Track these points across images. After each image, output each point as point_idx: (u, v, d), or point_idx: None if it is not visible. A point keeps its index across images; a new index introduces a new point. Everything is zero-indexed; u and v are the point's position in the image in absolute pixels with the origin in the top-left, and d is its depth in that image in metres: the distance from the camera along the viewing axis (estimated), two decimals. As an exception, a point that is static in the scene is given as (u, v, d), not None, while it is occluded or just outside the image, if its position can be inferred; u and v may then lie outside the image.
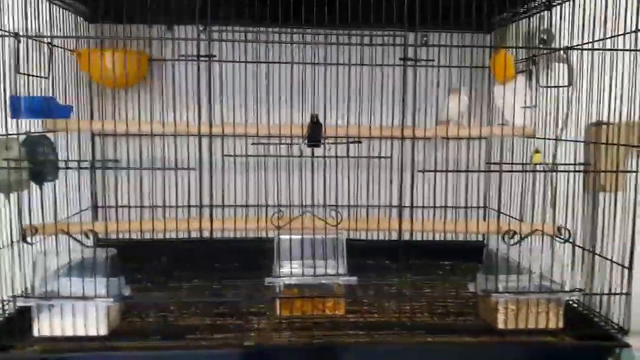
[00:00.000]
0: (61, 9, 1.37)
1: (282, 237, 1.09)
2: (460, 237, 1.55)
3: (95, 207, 1.56)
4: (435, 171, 1.07)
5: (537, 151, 1.18)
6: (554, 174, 1.22)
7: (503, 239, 1.10)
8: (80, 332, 1.04)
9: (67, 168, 1.10)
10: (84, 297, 1.03)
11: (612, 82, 1.13)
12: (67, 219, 1.15)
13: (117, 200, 1.39)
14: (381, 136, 1.09)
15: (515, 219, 1.30)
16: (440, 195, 1.17)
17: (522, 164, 1.14)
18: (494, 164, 1.06)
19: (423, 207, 1.48)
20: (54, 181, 1.20)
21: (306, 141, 1.04)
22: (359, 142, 1.07)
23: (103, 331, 1.05)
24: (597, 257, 1.17)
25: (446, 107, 1.33)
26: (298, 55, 1.04)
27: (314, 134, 1.02)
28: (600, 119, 1.37)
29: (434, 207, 1.32)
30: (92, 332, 1.05)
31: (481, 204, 1.68)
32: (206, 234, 1.06)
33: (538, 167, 1.12)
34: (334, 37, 1.13)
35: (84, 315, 1.04)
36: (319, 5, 1.02)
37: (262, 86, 1.14)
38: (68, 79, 1.43)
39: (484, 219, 1.68)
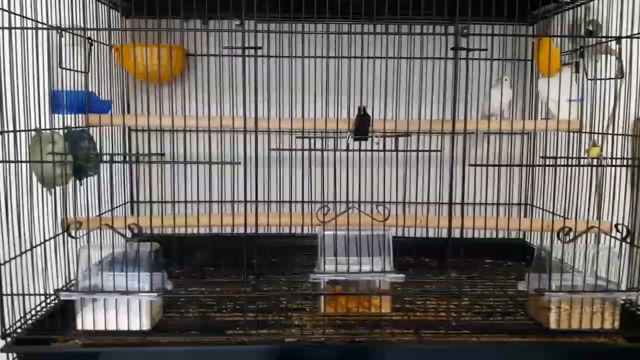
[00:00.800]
0: (97, 3, 1.36)
1: (327, 232, 1.07)
2: (500, 235, 1.51)
3: (134, 202, 1.56)
4: (486, 165, 1.03)
5: (594, 144, 1.13)
6: (606, 168, 1.18)
7: (558, 236, 1.05)
8: (123, 327, 1.04)
9: (113, 162, 1.09)
10: (127, 292, 1.02)
11: None
12: (108, 212, 1.14)
13: (158, 195, 1.38)
14: (431, 130, 1.05)
15: (560, 216, 1.26)
16: (482, 191, 1.14)
17: (578, 157, 1.09)
18: (549, 157, 1.02)
19: (466, 203, 1.44)
20: (95, 175, 1.20)
21: (353, 134, 1.01)
22: (408, 135, 1.04)
23: (145, 326, 1.04)
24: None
25: (489, 99, 1.30)
26: (345, 49, 1.01)
27: (362, 126, 0.99)
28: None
29: (479, 203, 1.28)
30: (135, 327, 1.04)
31: (522, 201, 1.64)
32: (250, 230, 1.04)
33: (595, 162, 1.07)
34: (380, 28, 1.10)
35: (127, 309, 1.03)
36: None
37: (308, 80, 1.12)
38: (105, 74, 1.42)
39: (525, 216, 1.64)
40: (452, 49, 1.00)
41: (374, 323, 1.09)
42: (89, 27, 1.27)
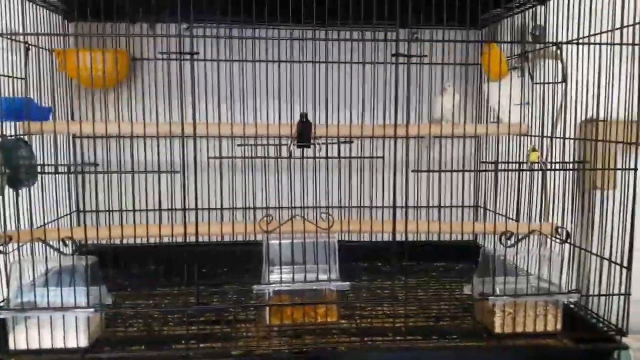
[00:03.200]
0: (35, 6, 1.31)
1: (271, 241, 1.05)
2: (450, 237, 1.52)
3: (75, 213, 1.51)
4: (429, 171, 1.03)
5: (533, 149, 1.15)
6: (549, 172, 1.19)
7: (500, 240, 1.06)
8: (59, 345, 0.99)
9: (45, 173, 1.04)
10: (62, 308, 0.98)
11: (607, 78, 1.11)
12: (44, 225, 1.10)
13: (97, 205, 1.33)
14: (373, 135, 1.05)
15: (510, 218, 1.28)
16: (429, 195, 1.14)
17: (518, 162, 1.10)
18: (489, 162, 1.02)
19: (414, 207, 1.45)
20: (32, 186, 1.16)
21: (295, 141, 0.99)
22: (351, 142, 1.03)
23: (83, 343, 1.00)
24: (593, 257, 1.14)
25: (439, 104, 1.30)
26: (285, 53, 0.99)
27: (304, 133, 0.98)
28: (593, 116, 1.35)
29: (428, 207, 1.28)
30: (72, 344, 1.00)
31: (472, 203, 1.66)
32: (191, 239, 1.01)
33: (534, 166, 1.09)
34: (322, 34, 1.09)
35: (63, 326, 0.99)
36: (307, 2, 0.98)
37: (249, 85, 1.09)
38: (45, 80, 1.37)
39: (475, 219, 1.66)
40: (392, 55, 0.99)
41: (320, 332, 1.08)
42: (29, 31, 1.22)
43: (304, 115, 0.98)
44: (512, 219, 1.25)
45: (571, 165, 1.13)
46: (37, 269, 1.02)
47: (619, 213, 1.11)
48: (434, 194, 1.07)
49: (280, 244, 1.04)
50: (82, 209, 1.49)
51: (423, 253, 1.51)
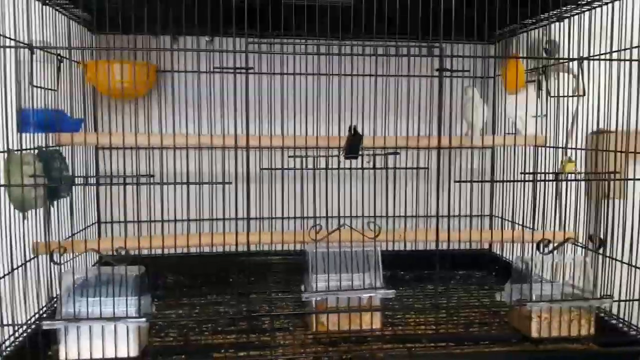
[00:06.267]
0: (64, 18, 1.32)
1: (318, 250, 1.07)
2: (468, 245, 1.56)
3: (102, 223, 1.51)
4: (472, 181, 1.07)
5: (570, 160, 1.20)
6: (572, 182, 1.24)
7: (537, 247, 1.10)
8: (110, 354, 1.00)
9: (88, 184, 1.05)
10: (114, 318, 0.98)
11: (619, 92, 1.16)
12: (77, 234, 1.10)
13: (133, 215, 1.33)
14: (418, 146, 1.08)
15: (528, 227, 1.32)
16: (456, 205, 1.18)
17: (555, 173, 1.15)
18: (528, 173, 1.07)
19: (443, 216, 1.49)
20: (67, 197, 1.16)
21: (344, 153, 1.02)
22: (397, 153, 1.06)
23: (134, 352, 1.01)
24: (619, 264, 1.19)
25: (475, 116, 1.34)
26: (332, 67, 1.02)
27: (353, 145, 1.00)
28: (600, 128, 1.41)
29: (451, 216, 1.32)
30: (122, 354, 1.00)
31: (488, 213, 1.71)
32: (242, 248, 1.03)
33: (570, 176, 1.13)
34: (368, 50, 1.12)
35: (114, 336, 0.99)
36: (354, 18, 1.01)
37: (298, 98, 1.12)
38: (75, 92, 1.37)
39: (489, 227, 1.70)
40: (437, 70, 1.03)
41: (365, 339, 1.10)
42: (61, 45, 1.23)
43: (353, 128, 1.00)
44: (529, 228, 1.30)
45: (605, 175, 1.17)
46: (78, 279, 1.02)
47: (636, 220, 1.16)
48: (459, 204, 1.10)
49: (328, 252, 1.06)
50: (106, 220, 1.49)
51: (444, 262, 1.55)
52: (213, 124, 1.11)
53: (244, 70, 0.95)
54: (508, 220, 1.60)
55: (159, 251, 1.13)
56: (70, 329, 0.99)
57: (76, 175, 1.33)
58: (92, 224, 1.48)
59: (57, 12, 1.28)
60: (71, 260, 1.02)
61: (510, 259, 1.27)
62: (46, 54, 1.17)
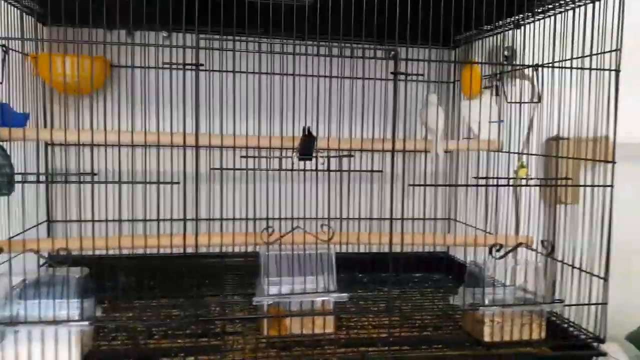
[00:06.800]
0: (9, 6, 1.26)
1: (271, 252, 1.05)
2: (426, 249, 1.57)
3: (50, 222, 1.45)
4: (425, 185, 1.07)
5: (522, 165, 1.21)
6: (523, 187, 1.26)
7: (490, 251, 1.11)
8: (50, 360, 0.96)
9: (32, 182, 1.00)
10: (56, 321, 0.94)
11: (576, 99, 1.18)
12: (20, 235, 1.06)
13: (77, 214, 1.29)
14: (373, 149, 1.07)
15: (483, 231, 1.33)
16: (410, 208, 1.17)
17: (507, 177, 1.15)
18: (481, 178, 1.07)
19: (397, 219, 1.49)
20: (9, 195, 1.11)
21: (298, 154, 1.00)
22: (352, 155, 1.05)
23: (76, 357, 0.97)
24: (569, 268, 1.21)
25: (429, 120, 1.34)
26: (287, 67, 1.01)
27: (307, 146, 0.99)
28: (558, 134, 1.43)
29: (407, 218, 1.32)
30: (64, 359, 0.96)
31: (445, 216, 1.71)
32: (190, 250, 1.00)
33: (523, 182, 1.14)
34: (323, 50, 1.11)
35: (55, 340, 0.95)
36: (310, 18, 1.00)
37: (252, 97, 1.10)
38: (19, 85, 1.32)
39: (448, 230, 1.71)
40: (392, 73, 1.02)
41: (318, 343, 1.09)
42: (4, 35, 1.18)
43: (307, 129, 0.99)
44: (486, 232, 1.30)
45: (555, 182, 1.19)
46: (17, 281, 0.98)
47: (587, 226, 1.18)
48: (420, 207, 1.10)
49: (280, 255, 1.04)
50: (52, 219, 1.44)
51: (401, 264, 1.55)
52: (163, 121, 1.07)
53: (194, 67, 0.92)
54: (464, 223, 1.61)
55: (113, 252, 1.09)
56: (7, 333, 0.94)
57: (21, 172, 1.28)
58: (39, 223, 1.42)
59: (7, 4, 1.23)
60: (8, 262, 0.96)
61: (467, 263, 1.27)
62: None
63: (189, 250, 1.00)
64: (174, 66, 0.98)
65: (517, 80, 1.50)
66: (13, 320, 0.94)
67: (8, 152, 1.15)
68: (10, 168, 1.15)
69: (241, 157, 1.03)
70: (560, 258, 1.21)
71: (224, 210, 1.11)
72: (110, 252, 1.07)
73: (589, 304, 1.15)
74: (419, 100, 1.25)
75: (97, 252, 1.06)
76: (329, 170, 1.02)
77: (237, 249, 1.12)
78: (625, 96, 1.16)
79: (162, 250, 1.04)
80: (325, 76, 1.01)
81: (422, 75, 1.06)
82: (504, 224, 1.33)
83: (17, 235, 1.11)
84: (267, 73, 1.04)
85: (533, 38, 1.28)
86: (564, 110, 1.23)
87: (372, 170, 1.10)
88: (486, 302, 1.10)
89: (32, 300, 0.96)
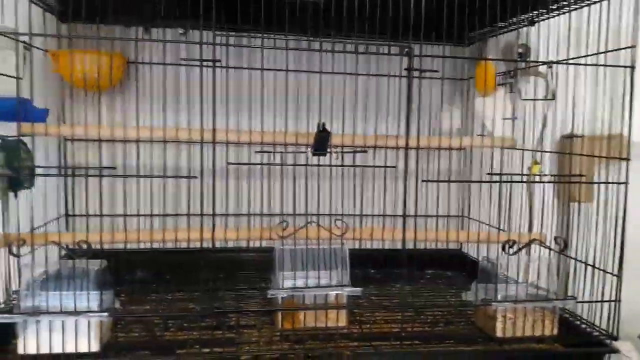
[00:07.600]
0: (31, 4, 1.28)
1: (285, 247, 1.07)
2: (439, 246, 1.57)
3: (68, 216, 1.48)
4: (439, 181, 1.07)
5: (536, 162, 1.21)
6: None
7: (503, 248, 1.11)
8: (70, 349, 0.98)
9: (53, 175, 1.03)
10: (75, 312, 0.97)
11: (590, 96, 1.18)
12: (41, 227, 1.08)
13: (95, 209, 1.31)
14: (386, 146, 1.08)
15: (496, 228, 1.34)
16: (423, 205, 1.17)
17: (521, 174, 1.16)
18: (495, 174, 1.07)
19: (410, 215, 1.49)
20: (30, 188, 1.14)
21: (312, 150, 1.02)
22: (365, 151, 1.06)
23: (95, 347, 0.99)
24: (582, 265, 1.21)
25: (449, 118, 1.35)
26: (303, 63, 1.02)
27: (321, 142, 1.00)
28: (572, 132, 1.42)
29: (422, 215, 1.32)
30: (83, 349, 0.99)
31: (459, 213, 1.72)
32: (207, 244, 1.02)
33: (537, 178, 1.14)
34: (338, 47, 1.12)
35: (75, 331, 0.97)
36: (325, 15, 1.01)
37: (267, 94, 1.11)
38: (39, 81, 1.34)
39: (461, 227, 1.72)
40: (405, 69, 1.03)
41: (331, 337, 1.10)
42: (24, 31, 1.20)
43: (321, 125, 1.00)
44: (497, 228, 1.31)
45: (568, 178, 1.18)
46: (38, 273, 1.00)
47: (600, 223, 1.18)
48: (427, 204, 1.10)
49: (295, 249, 1.06)
50: (70, 213, 1.46)
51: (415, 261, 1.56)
52: (179, 117, 1.09)
53: (210, 63, 0.94)
54: (477, 220, 1.62)
55: (130, 245, 1.12)
56: (29, 323, 0.97)
57: (42, 166, 1.30)
58: (59, 217, 1.45)
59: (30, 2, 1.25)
60: (31, 254, 0.99)
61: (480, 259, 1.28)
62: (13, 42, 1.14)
63: (205, 244, 1.01)
64: (191, 63, 0.99)
65: (531, 77, 1.49)
66: (35, 310, 0.97)
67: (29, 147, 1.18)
68: (32, 162, 1.18)
69: (256, 152, 1.05)
70: (573, 255, 1.21)
71: (240, 205, 1.13)
72: (128, 245, 1.08)
73: (601, 301, 1.14)
74: (432, 97, 1.25)
75: (116, 246, 1.08)
76: (342, 165, 1.03)
77: (252, 244, 1.13)
78: (640, 93, 1.15)
79: (178, 245, 1.06)
80: (339, 73, 1.02)
81: (437, 71, 1.07)
82: (517, 221, 1.33)
83: (38, 227, 1.13)
84: (282, 70, 1.05)
85: (547, 35, 1.28)
86: (578, 108, 1.23)
87: (385, 166, 1.11)
88: (499, 297, 1.11)
89: (53, 292, 0.98)
